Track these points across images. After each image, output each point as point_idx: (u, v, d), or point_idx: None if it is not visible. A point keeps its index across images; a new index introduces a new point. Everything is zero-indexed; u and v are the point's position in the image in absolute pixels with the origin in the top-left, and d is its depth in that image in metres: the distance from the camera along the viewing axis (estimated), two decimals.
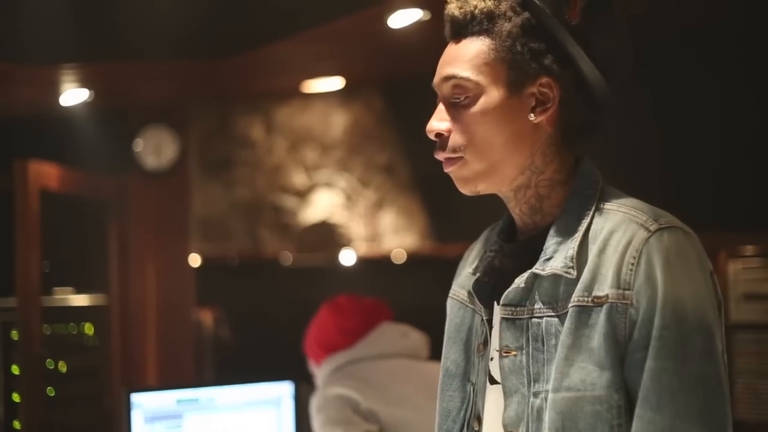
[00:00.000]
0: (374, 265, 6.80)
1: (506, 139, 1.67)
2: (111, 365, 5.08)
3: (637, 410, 1.55)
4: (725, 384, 1.56)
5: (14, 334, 4.82)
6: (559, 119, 1.68)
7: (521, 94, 1.66)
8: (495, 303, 1.73)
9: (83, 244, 5.35)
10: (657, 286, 1.54)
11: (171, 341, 5.17)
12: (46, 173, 4.76)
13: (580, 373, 1.57)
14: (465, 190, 1.73)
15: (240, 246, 6.57)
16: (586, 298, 1.58)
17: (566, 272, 1.61)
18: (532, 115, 1.66)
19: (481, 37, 1.67)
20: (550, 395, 1.60)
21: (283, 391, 3.57)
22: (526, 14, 1.65)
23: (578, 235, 1.63)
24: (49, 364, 4.93)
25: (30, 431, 4.64)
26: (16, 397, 4.82)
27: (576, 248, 1.62)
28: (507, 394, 1.66)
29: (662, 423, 1.52)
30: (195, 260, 5.76)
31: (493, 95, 1.66)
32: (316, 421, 2.82)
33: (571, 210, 1.67)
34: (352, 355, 2.93)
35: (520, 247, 1.74)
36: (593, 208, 1.65)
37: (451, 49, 1.71)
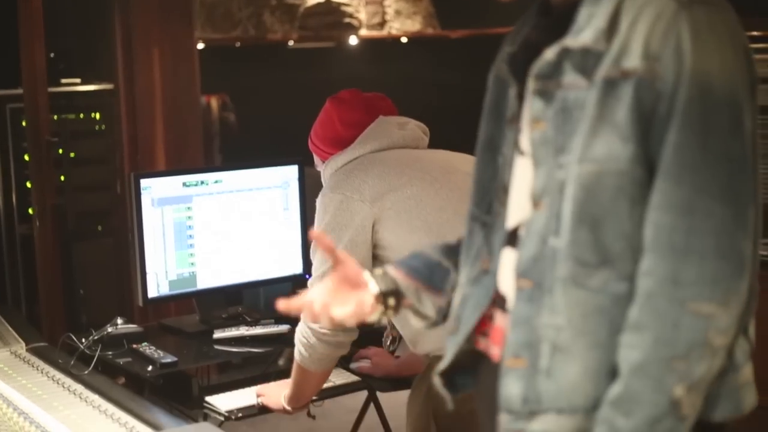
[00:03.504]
0: (378, 47, 6.78)
1: None
2: (120, 152, 5.14)
3: (657, 183, 1.55)
4: (751, 163, 1.55)
5: (25, 122, 4.86)
6: None
7: None
8: (528, 77, 1.71)
9: (87, 34, 5.32)
10: (685, 59, 1.52)
11: (178, 126, 5.19)
12: None
13: (604, 145, 1.57)
14: None
15: (244, 30, 6.53)
16: (614, 71, 1.56)
17: (596, 45, 1.59)
18: None
19: None
20: (573, 167, 1.59)
21: (290, 173, 3.63)
22: None
23: (611, 8, 1.60)
24: (59, 150, 4.98)
25: (43, 216, 4.73)
26: (29, 184, 4.90)
27: (607, 20, 1.59)
28: (536, 165, 1.66)
29: (680, 196, 1.52)
30: (199, 45, 5.74)
31: None
32: (321, 222, 2.85)
33: None
34: (353, 153, 2.93)
35: (552, 21, 1.71)
36: None
37: None
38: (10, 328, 3.23)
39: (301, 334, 2.85)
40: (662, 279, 1.52)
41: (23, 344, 3.13)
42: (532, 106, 1.67)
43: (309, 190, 3.53)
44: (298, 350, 2.86)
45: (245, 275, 3.57)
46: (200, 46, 5.74)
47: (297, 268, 3.65)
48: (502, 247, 1.77)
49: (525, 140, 1.71)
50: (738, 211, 1.53)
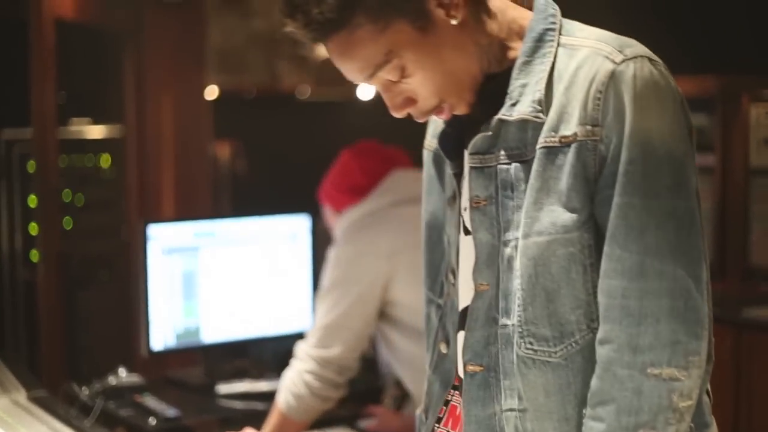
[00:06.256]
0: None
1: (453, 56, 1.60)
2: (128, 197, 5.10)
3: (606, 248, 1.51)
4: (699, 218, 1.52)
5: (30, 166, 4.82)
6: None
7: (431, 17, 1.57)
8: (465, 152, 1.67)
9: (99, 76, 5.30)
10: (625, 119, 1.49)
11: (188, 174, 5.16)
12: (60, 2, 4.68)
13: (550, 216, 1.53)
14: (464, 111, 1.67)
15: (257, 78, 6.51)
16: (553, 139, 1.54)
17: (535, 116, 1.56)
18: (452, 20, 1.58)
19: (349, 26, 1.58)
20: (520, 242, 1.56)
21: (300, 224, 3.58)
22: None
23: (543, 76, 1.57)
24: (66, 196, 4.95)
25: (47, 263, 4.68)
26: (33, 229, 4.85)
27: (543, 90, 1.56)
28: (478, 246, 1.63)
29: (631, 260, 1.49)
30: (212, 92, 5.72)
31: (409, 45, 1.57)
32: (330, 275, 2.83)
33: (529, 50, 1.61)
34: (369, 206, 2.92)
35: (484, 93, 1.64)
36: (555, 45, 1.59)
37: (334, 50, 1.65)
38: (11, 375, 3.16)
39: (292, 382, 2.83)
40: (620, 347, 1.49)
41: (24, 392, 3.06)
42: (471, 183, 1.64)
43: (319, 241, 3.49)
44: (286, 399, 2.83)
45: (252, 330, 3.52)
46: (214, 91, 5.71)
47: (305, 324, 3.59)
48: (456, 330, 1.72)
49: (468, 219, 1.67)
50: (690, 269, 1.49)
